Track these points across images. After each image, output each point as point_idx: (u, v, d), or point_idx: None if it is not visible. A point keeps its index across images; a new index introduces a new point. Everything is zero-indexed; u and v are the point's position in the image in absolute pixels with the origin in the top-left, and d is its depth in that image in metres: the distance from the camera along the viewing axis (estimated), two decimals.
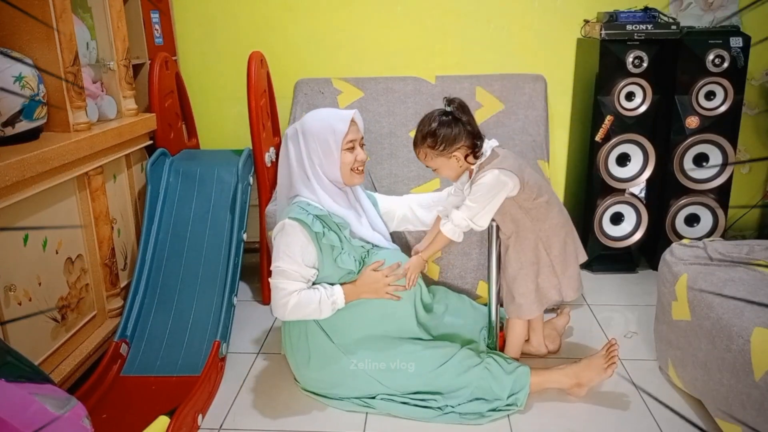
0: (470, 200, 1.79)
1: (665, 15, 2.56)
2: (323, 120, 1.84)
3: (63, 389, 1.46)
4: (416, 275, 1.89)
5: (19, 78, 1.78)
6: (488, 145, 1.82)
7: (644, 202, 2.66)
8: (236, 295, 2.22)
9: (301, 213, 1.77)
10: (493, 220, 1.86)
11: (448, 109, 1.78)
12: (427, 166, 1.87)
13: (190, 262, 2.23)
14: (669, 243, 2.03)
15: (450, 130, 1.76)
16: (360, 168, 1.88)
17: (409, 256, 1.97)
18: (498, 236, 1.89)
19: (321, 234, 1.77)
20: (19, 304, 1.69)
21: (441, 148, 1.78)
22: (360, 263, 1.84)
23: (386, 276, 1.82)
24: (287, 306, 1.76)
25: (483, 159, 1.81)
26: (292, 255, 1.76)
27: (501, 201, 1.80)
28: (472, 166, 1.82)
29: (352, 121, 1.84)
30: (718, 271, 1.76)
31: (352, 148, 1.85)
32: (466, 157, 1.80)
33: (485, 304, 2.12)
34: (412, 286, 1.87)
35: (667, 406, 1.85)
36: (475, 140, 1.79)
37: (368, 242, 1.90)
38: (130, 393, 1.91)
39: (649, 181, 2.64)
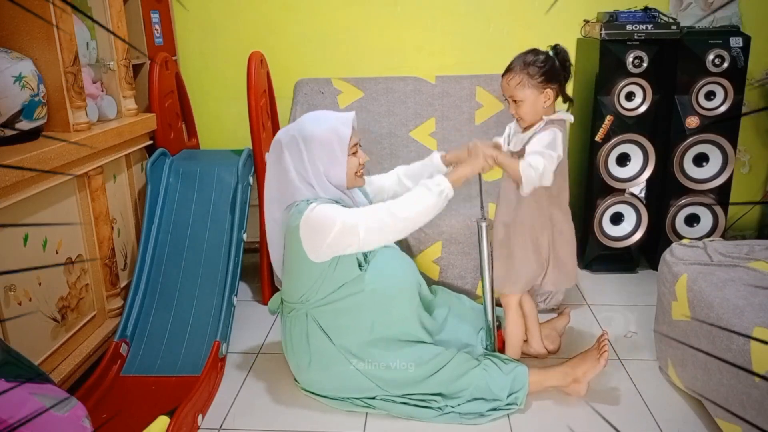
0: (545, 148, 1.76)
1: (665, 15, 2.56)
2: (326, 124, 1.79)
3: (63, 389, 1.46)
4: (489, 162, 1.81)
5: (19, 78, 1.78)
6: (565, 114, 1.84)
7: (644, 202, 2.66)
8: (236, 295, 2.23)
9: (315, 200, 1.75)
10: (482, 219, 1.86)
11: (551, 54, 1.81)
12: (508, 96, 1.84)
13: (190, 262, 2.23)
14: (669, 243, 2.03)
15: (554, 66, 1.79)
16: (362, 171, 1.87)
17: (410, 256, 1.95)
18: (488, 236, 1.89)
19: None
20: (19, 304, 1.69)
21: (540, 79, 1.78)
22: (364, 264, 1.82)
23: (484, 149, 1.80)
24: (391, 211, 1.73)
25: (555, 117, 1.82)
26: (336, 209, 1.73)
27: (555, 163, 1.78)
28: (543, 118, 1.81)
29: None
30: (718, 271, 1.76)
31: (356, 152, 1.84)
32: (552, 99, 1.81)
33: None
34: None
35: (667, 407, 1.85)
36: (564, 88, 1.83)
37: None
38: (130, 393, 1.91)
39: (649, 181, 2.63)
